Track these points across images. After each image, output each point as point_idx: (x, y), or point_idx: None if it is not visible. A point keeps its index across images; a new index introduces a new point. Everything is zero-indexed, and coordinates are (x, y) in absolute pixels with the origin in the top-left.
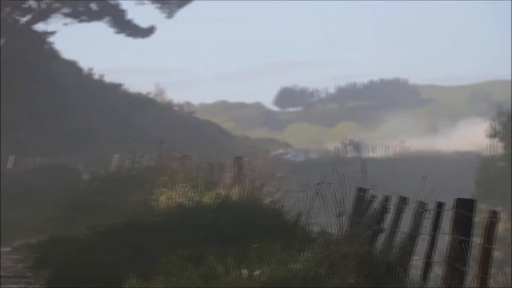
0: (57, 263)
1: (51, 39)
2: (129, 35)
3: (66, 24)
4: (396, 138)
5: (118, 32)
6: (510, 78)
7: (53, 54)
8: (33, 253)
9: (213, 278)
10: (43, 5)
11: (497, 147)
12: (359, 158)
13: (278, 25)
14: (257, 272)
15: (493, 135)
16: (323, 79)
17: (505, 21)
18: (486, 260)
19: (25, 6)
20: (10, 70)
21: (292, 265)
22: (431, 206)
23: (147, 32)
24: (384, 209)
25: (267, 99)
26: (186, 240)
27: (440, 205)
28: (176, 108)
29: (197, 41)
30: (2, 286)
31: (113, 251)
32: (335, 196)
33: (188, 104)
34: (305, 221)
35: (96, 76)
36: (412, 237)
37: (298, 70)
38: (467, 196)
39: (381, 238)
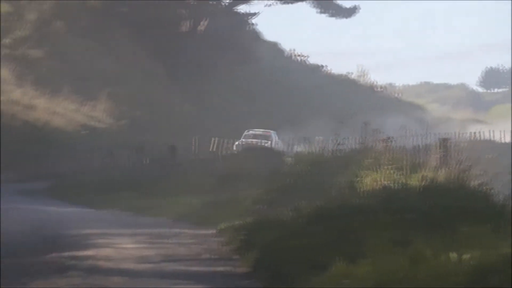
0: (263, 246)
1: (253, 20)
2: (332, 15)
3: (268, 6)
4: None
5: (321, 12)
6: None
7: (255, 36)
8: (238, 236)
9: (421, 262)
10: None
11: None
12: None
13: (483, 5)
14: (466, 256)
15: None
16: None
17: None
18: None
19: None
20: (214, 50)
21: (502, 249)
22: None
23: (350, 12)
24: None
25: (472, 80)
26: (393, 222)
27: None
28: (379, 89)
29: (399, 23)
30: (210, 268)
31: (319, 234)
32: None
33: (391, 85)
34: None
35: (298, 58)
36: None
37: (504, 51)
38: None
39: None
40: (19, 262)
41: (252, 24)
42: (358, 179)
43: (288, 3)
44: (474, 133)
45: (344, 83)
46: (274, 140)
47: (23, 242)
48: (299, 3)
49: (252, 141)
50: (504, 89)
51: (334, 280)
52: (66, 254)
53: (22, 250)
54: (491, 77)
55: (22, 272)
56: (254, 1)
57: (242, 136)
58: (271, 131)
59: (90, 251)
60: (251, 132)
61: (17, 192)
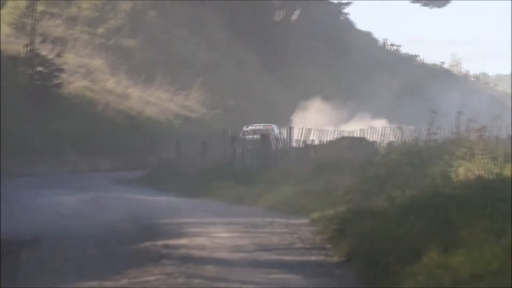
0: (356, 235)
1: (346, 10)
2: (425, 4)
3: None
4: None
5: (414, 2)
6: None
7: (348, 25)
8: (331, 225)
9: None
10: None
11: None
12: None
13: None
14: None
15: None
16: None
17: None
18: None
19: None
20: (307, 40)
21: None
22: None
23: (443, 1)
24: None
25: None
26: (487, 212)
27: None
28: (472, 79)
29: (493, 12)
30: (298, 257)
31: (413, 223)
32: None
33: (484, 75)
34: None
35: (391, 47)
36: None
37: None
38: None
39: None
40: (115, 250)
41: (345, 13)
42: (452, 169)
43: None
44: None
45: (438, 73)
46: (277, 134)
47: (119, 230)
48: None
49: (252, 137)
50: None
51: (428, 270)
52: (160, 242)
53: (118, 238)
54: None
55: (118, 260)
56: None
57: (241, 133)
58: (273, 125)
59: (183, 239)
60: (250, 127)
61: (113, 181)
